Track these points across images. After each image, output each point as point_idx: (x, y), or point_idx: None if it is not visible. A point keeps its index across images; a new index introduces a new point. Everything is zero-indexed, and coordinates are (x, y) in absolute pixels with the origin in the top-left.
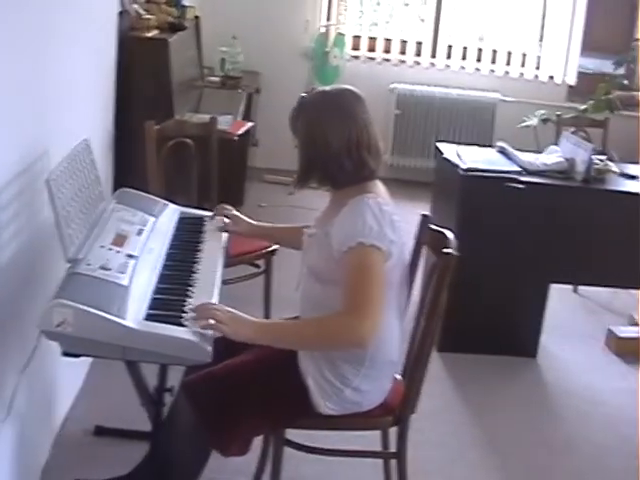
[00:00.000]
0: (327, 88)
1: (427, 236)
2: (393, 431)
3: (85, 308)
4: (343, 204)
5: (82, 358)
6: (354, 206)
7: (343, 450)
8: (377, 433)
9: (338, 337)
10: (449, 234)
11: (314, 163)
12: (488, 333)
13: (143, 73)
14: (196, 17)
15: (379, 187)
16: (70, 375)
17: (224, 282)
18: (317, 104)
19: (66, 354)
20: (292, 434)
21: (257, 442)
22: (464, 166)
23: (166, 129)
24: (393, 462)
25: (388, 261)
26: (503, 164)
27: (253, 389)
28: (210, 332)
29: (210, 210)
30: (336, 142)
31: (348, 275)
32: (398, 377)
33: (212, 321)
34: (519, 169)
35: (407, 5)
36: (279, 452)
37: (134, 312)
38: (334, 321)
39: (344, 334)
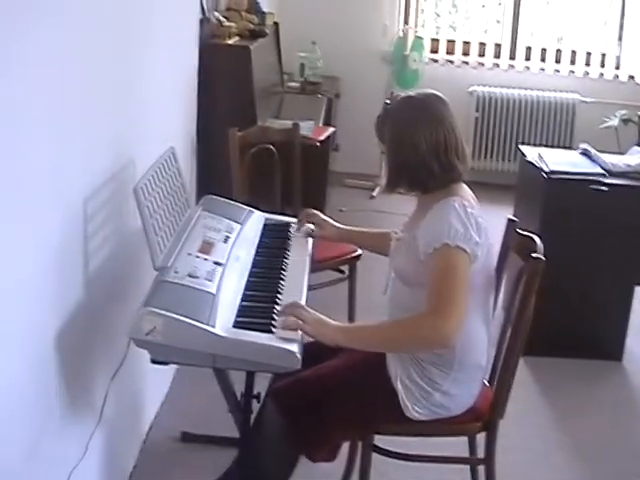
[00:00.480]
0: (412, 93)
1: (514, 240)
2: (479, 436)
3: (175, 316)
4: (429, 207)
5: (168, 365)
6: (440, 209)
7: (431, 456)
8: (462, 439)
9: (422, 337)
10: (536, 239)
11: (403, 168)
12: (573, 336)
13: (225, 80)
14: (275, 23)
15: (465, 190)
16: (156, 382)
17: (309, 288)
18: (404, 109)
19: (155, 362)
20: (378, 441)
21: (344, 448)
22: (547, 169)
23: (249, 135)
24: (480, 468)
25: (474, 263)
26: (586, 166)
27: (342, 394)
28: (297, 334)
29: (294, 216)
30: (425, 146)
31: (433, 276)
32: (485, 382)
33: (298, 320)
34: (602, 171)
35: (484, 7)
36: (367, 458)
37: (223, 320)
38: (418, 321)
39: (428, 334)
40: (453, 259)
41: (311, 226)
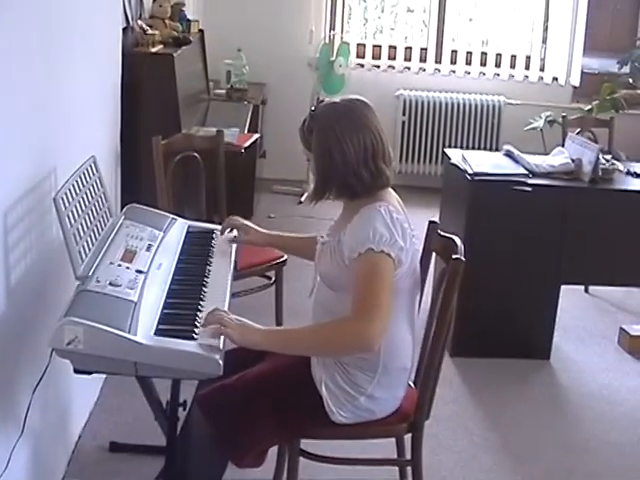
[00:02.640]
0: (336, 99)
1: (435, 242)
2: (408, 437)
3: (95, 325)
4: (356, 212)
5: (96, 375)
6: (366, 214)
7: (359, 459)
8: (391, 440)
9: (346, 341)
10: (457, 240)
11: (332, 176)
12: (501, 337)
13: (149, 88)
14: (200, 31)
15: (392, 195)
16: (84, 392)
17: (235, 294)
18: (330, 116)
19: (78, 371)
20: (306, 444)
21: (273, 452)
22: (471, 171)
23: (173, 144)
24: (409, 469)
25: (399, 268)
26: (510, 167)
27: (267, 399)
28: (219, 341)
29: (220, 223)
30: (353, 153)
31: (357, 281)
32: (411, 384)
33: (220, 326)
34: (526, 172)
35: (411, 11)
36: (294, 462)
37: (144, 327)
38: (342, 325)
39: (352, 338)
40: (377, 265)
41: (234, 232)
